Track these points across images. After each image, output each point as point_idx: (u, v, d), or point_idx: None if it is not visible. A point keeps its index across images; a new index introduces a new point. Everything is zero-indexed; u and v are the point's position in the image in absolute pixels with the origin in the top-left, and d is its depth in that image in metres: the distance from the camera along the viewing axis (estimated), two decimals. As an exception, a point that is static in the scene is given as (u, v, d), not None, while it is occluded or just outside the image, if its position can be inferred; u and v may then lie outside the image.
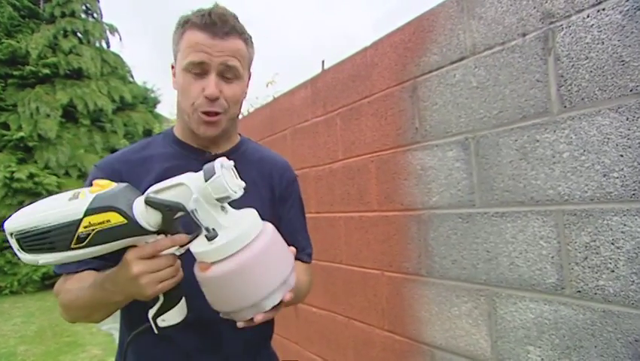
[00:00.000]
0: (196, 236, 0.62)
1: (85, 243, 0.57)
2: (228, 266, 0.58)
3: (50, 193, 7.45)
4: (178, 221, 0.62)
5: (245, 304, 0.61)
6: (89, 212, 0.57)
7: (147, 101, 9.46)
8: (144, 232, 0.59)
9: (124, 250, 0.62)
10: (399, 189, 1.38)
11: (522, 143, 1.00)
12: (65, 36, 8.07)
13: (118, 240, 0.59)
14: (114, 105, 8.18)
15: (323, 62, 2.07)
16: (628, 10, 0.80)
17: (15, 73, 7.59)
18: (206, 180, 0.58)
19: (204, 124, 0.77)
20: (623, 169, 0.82)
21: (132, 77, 9.34)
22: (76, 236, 0.57)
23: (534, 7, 0.97)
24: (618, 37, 0.82)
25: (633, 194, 0.80)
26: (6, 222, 0.59)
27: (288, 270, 0.64)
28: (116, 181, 0.63)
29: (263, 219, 0.66)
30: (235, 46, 0.76)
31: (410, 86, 1.33)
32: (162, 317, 0.64)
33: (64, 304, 0.74)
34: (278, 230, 0.67)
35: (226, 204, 0.63)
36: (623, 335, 0.82)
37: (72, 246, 0.57)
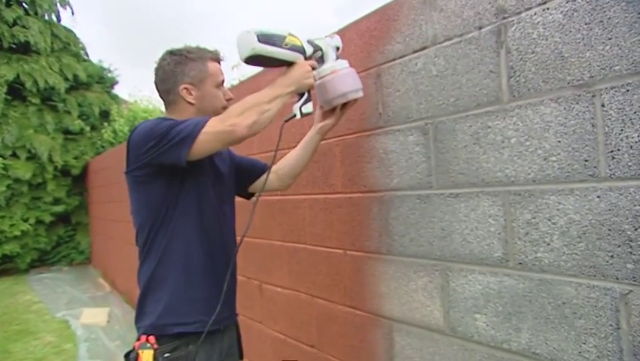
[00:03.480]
0: (321, 64, 1.23)
1: (287, 47, 1.13)
2: (347, 70, 1.24)
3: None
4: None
5: (349, 89, 1.22)
6: (290, 34, 1.14)
7: (103, 80, 8.91)
8: (303, 55, 1.17)
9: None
10: (362, 172, 1.44)
11: (476, 129, 1.08)
12: (9, 5, 7.43)
13: (294, 52, 1.15)
14: (67, 84, 7.69)
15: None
16: (567, 10, 0.89)
17: (-48, 44, 6.97)
18: (332, 38, 1.25)
19: None
20: (560, 153, 0.91)
21: (86, 54, 8.80)
22: (284, 42, 1.12)
23: (490, 3, 1.04)
24: (559, 35, 0.90)
25: (567, 176, 0.90)
26: (249, 29, 1.09)
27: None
28: None
29: (230, 172, 1.39)
30: None
31: (375, 73, 1.38)
32: (305, 106, 1.20)
33: (246, 109, 1.11)
34: (241, 170, 1.44)
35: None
36: (554, 300, 0.92)
37: (282, 45, 1.12)
